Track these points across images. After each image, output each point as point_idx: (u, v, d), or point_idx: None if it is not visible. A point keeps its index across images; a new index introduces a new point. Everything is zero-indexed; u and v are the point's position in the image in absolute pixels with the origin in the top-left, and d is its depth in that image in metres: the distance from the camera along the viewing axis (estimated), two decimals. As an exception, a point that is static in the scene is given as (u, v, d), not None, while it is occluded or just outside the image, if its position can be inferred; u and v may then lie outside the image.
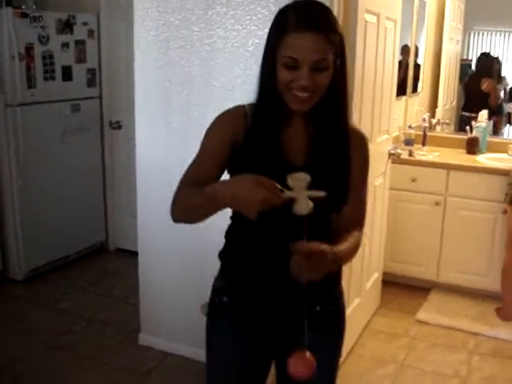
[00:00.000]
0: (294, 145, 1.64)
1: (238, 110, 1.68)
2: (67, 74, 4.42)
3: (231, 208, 1.56)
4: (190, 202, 1.59)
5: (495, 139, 4.67)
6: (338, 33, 1.55)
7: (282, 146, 1.63)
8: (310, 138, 1.65)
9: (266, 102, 1.62)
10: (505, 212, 3.94)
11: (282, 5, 1.59)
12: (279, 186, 1.38)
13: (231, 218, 1.77)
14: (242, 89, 2.86)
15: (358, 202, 1.73)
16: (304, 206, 1.39)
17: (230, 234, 1.78)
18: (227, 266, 1.79)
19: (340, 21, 2.71)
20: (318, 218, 1.55)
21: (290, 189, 1.39)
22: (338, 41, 1.55)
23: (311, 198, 1.39)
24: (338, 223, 1.72)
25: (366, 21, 2.94)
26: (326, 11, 1.58)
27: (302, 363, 1.52)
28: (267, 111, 1.62)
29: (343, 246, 1.59)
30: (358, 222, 1.73)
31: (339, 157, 1.65)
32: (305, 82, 1.51)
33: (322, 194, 1.40)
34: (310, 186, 1.40)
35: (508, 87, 5.18)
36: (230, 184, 1.51)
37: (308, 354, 1.53)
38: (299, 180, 1.40)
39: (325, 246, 1.48)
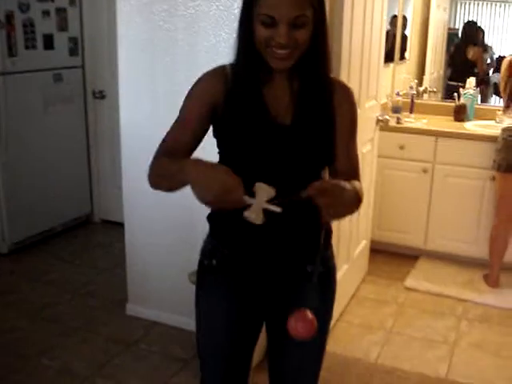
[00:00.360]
0: (279, 103, 1.60)
1: (218, 71, 1.65)
2: (49, 42, 4.32)
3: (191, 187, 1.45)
4: (162, 171, 1.58)
5: (483, 106, 4.66)
6: None
7: (266, 104, 1.59)
8: (294, 94, 1.61)
9: (245, 61, 1.58)
10: (493, 179, 3.94)
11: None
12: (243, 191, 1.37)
13: None
14: (227, 52, 2.75)
15: (348, 156, 1.69)
16: (254, 216, 1.38)
17: None
18: (216, 228, 1.76)
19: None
20: (309, 174, 1.57)
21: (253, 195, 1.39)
22: None
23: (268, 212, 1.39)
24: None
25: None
26: None
27: (302, 323, 1.51)
28: (247, 70, 1.59)
29: (353, 184, 1.53)
30: (352, 175, 1.67)
31: (325, 111, 1.62)
32: (283, 40, 1.47)
33: (277, 210, 1.37)
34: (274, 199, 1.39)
35: (494, 57, 5.16)
36: (203, 167, 1.41)
37: (309, 313, 1.51)
38: (263, 191, 1.39)
39: (337, 180, 1.47)
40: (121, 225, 3.77)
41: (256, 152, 1.59)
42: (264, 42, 1.50)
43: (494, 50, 5.16)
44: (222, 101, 1.60)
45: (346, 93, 1.70)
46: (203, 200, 1.38)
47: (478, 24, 5.12)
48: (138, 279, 3.40)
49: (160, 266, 3.30)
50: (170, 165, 1.54)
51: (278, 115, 1.59)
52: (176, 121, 1.68)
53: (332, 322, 3.26)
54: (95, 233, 4.85)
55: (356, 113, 1.71)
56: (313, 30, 1.52)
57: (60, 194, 4.58)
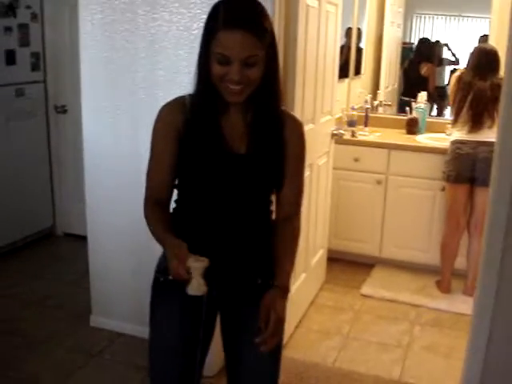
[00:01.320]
0: (234, 133, 1.73)
1: (177, 101, 1.76)
2: (11, 57, 4.37)
3: None
4: (151, 229, 1.74)
5: (433, 120, 4.85)
6: (267, 27, 1.63)
7: (222, 134, 1.72)
8: (248, 125, 1.73)
9: (202, 94, 1.70)
10: (443, 189, 4.12)
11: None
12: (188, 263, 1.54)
13: (176, 201, 1.86)
14: (187, 71, 2.89)
15: (295, 188, 1.82)
16: (194, 288, 1.55)
17: (175, 214, 1.85)
18: None
19: (282, 5, 2.79)
20: (259, 199, 1.75)
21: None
22: (267, 35, 1.63)
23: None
24: (278, 210, 1.83)
25: (308, 5, 3.02)
26: (256, 6, 1.64)
27: None
28: (204, 102, 1.71)
29: (287, 266, 1.75)
30: (295, 209, 1.84)
31: (276, 142, 1.74)
32: (236, 77, 1.60)
33: (203, 289, 1.55)
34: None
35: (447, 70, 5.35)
36: (167, 246, 1.64)
37: None
38: (197, 263, 1.54)
39: (276, 312, 1.63)
40: (83, 238, 3.82)
41: (211, 178, 1.72)
42: (219, 78, 1.62)
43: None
44: (183, 131, 1.72)
45: (296, 127, 1.82)
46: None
47: (433, 38, 5.29)
48: (102, 290, 3.46)
49: (123, 278, 3.36)
50: (156, 230, 1.71)
51: (233, 144, 1.72)
52: (150, 160, 1.79)
53: (291, 329, 3.39)
54: (58, 246, 4.87)
55: (304, 148, 1.83)
56: (264, 68, 1.64)
57: (22, 207, 4.60)
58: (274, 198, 1.86)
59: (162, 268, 1.84)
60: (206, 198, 1.74)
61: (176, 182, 1.81)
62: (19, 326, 3.54)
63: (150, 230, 1.73)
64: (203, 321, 1.74)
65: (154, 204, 1.77)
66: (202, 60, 1.66)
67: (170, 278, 1.73)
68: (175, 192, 1.83)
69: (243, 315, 1.84)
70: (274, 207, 1.87)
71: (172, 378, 1.89)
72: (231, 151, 1.71)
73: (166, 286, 1.84)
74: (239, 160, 1.71)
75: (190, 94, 1.75)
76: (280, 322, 1.64)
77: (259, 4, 1.67)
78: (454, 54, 5.23)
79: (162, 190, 1.78)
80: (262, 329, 1.62)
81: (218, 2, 1.64)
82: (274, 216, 1.87)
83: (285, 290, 1.69)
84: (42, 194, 4.85)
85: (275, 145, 1.74)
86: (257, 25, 1.60)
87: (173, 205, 1.86)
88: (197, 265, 1.53)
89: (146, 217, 1.76)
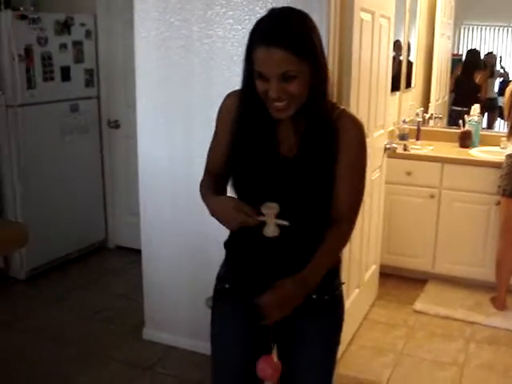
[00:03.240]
0: (286, 140, 1.73)
1: (238, 93, 1.78)
2: (66, 74, 4.48)
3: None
4: (201, 195, 1.81)
5: (487, 133, 4.76)
6: (309, 41, 1.59)
7: (276, 140, 1.73)
8: (299, 135, 1.71)
9: (249, 108, 1.71)
10: (498, 203, 4.03)
11: (280, 4, 1.65)
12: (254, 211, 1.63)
13: None
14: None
15: (349, 192, 1.76)
16: (271, 230, 1.65)
17: None
18: (230, 254, 1.89)
19: (337, 19, 2.79)
20: (312, 203, 1.73)
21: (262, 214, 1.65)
22: (308, 50, 1.59)
23: (279, 226, 1.65)
24: (330, 213, 1.78)
25: (362, 19, 3.01)
26: (296, 20, 1.61)
27: (268, 367, 1.78)
28: (254, 115, 1.71)
29: (317, 262, 1.71)
30: (347, 213, 1.78)
31: (328, 150, 1.70)
32: (274, 94, 1.59)
33: (285, 223, 1.63)
34: (279, 215, 1.64)
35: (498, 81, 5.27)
36: (214, 204, 1.73)
37: (275, 358, 1.78)
38: (270, 208, 1.64)
39: (287, 287, 1.64)
40: (135, 250, 3.87)
41: (261, 183, 1.73)
42: (262, 95, 1.62)
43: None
44: (236, 125, 1.75)
45: (355, 130, 1.75)
46: (232, 228, 1.73)
47: (483, 48, 5.23)
48: (155, 304, 3.49)
49: (177, 291, 3.39)
50: (205, 194, 1.80)
51: (285, 151, 1.72)
52: (212, 140, 1.89)
53: (344, 346, 3.36)
54: (110, 259, 4.94)
55: (362, 152, 1.77)
56: (310, 79, 1.61)
57: (76, 221, 4.70)
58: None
59: (221, 276, 1.89)
60: (256, 201, 1.69)
61: (230, 182, 1.83)
62: (72, 338, 3.60)
63: (204, 197, 1.79)
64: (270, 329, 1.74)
65: (212, 176, 1.85)
66: (246, 75, 1.67)
67: (226, 286, 1.81)
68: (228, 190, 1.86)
69: (296, 326, 1.82)
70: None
71: None
72: (282, 156, 1.72)
73: (223, 294, 1.87)
74: (288, 164, 1.71)
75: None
76: (285, 298, 1.64)
77: (302, 17, 1.63)
78: (503, 67, 5.16)
79: (219, 167, 1.83)
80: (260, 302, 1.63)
81: (261, 18, 1.63)
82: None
83: (303, 283, 1.66)
84: (95, 207, 4.94)
85: (325, 151, 1.70)
86: (294, 41, 1.56)
87: None
88: (270, 210, 1.63)
89: (202, 187, 1.84)
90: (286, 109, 1.62)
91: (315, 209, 1.76)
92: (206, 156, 1.90)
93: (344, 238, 1.80)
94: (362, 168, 1.79)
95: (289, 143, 1.72)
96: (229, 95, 1.83)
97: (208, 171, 1.89)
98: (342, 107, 1.77)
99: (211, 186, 1.81)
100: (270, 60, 1.55)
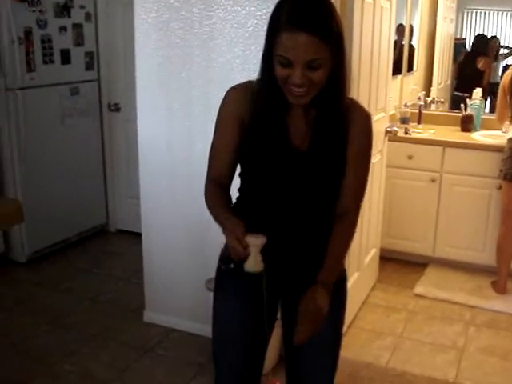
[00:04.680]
0: (297, 130, 1.70)
1: (246, 88, 1.74)
2: (66, 57, 4.45)
3: None
4: (209, 208, 1.75)
5: (489, 116, 4.72)
6: (333, 28, 1.55)
7: (287, 131, 1.70)
8: (311, 123, 1.70)
9: (266, 93, 1.67)
10: (499, 187, 4.02)
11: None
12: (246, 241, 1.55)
13: (239, 190, 1.85)
14: (242, 69, 2.92)
15: (355, 182, 1.77)
16: (251, 265, 1.55)
17: (238, 203, 1.85)
18: None
19: (337, 0, 2.76)
20: (321, 194, 1.74)
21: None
22: (334, 36, 1.55)
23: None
24: (337, 202, 1.78)
25: (363, 0, 2.99)
26: (323, 5, 1.56)
27: None
28: (268, 104, 1.68)
29: (332, 261, 1.73)
30: (353, 202, 1.79)
31: (339, 140, 1.70)
32: (298, 80, 1.55)
33: (261, 266, 1.56)
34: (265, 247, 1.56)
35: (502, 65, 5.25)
36: (225, 225, 1.63)
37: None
38: (255, 240, 1.54)
39: (315, 302, 1.62)
40: (135, 234, 3.86)
41: (272, 174, 1.71)
42: (282, 80, 1.59)
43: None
44: (248, 117, 1.71)
45: (363, 120, 1.75)
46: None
47: (486, 33, 5.20)
48: (155, 287, 3.50)
49: (177, 274, 3.39)
50: (214, 210, 1.72)
51: (295, 141, 1.70)
52: (213, 141, 1.80)
53: (344, 328, 3.36)
54: (110, 242, 4.95)
55: (369, 143, 1.78)
56: (331, 68, 1.58)
57: (76, 204, 4.70)
58: None
59: (225, 257, 1.86)
60: (268, 193, 1.73)
61: (239, 171, 1.81)
62: (73, 321, 3.62)
63: (209, 209, 1.74)
64: (265, 308, 1.73)
65: (216, 185, 1.78)
66: (265, 61, 1.63)
67: (231, 266, 1.77)
68: (239, 180, 1.83)
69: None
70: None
71: (236, 370, 1.91)
72: (294, 148, 1.69)
73: (227, 274, 1.85)
74: (301, 157, 1.69)
75: (257, 80, 1.70)
76: (319, 312, 1.62)
77: (327, 3, 1.58)
78: (507, 47, 5.12)
79: (224, 171, 1.77)
80: (299, 320, 1.61)
81: (281, 0, 1.58)
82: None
83: (327, 286, 1.67)
84: (95, 190, 4.94)
85: (337, 143, 1.70)
86: (322, 26, 1.52)
87: (237, 194, 1.86)
88: (254, 241, 1.53)
89: (206, 196, 1.77)
90: (305, 95, 1.60)
91: (326, 200, 1.77)
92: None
93: (353, 229, 1.81)
94: (368, 158, 1.80)
95: (300, 132, 1.70)
96: (232, 88, 1.77)
97: (212, 178, 1.80)
98: (350, 97, 1.75)
99: (218, 200, 1.75)
100: (297, 45, 1.51)
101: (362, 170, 1.79)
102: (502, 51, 5.20)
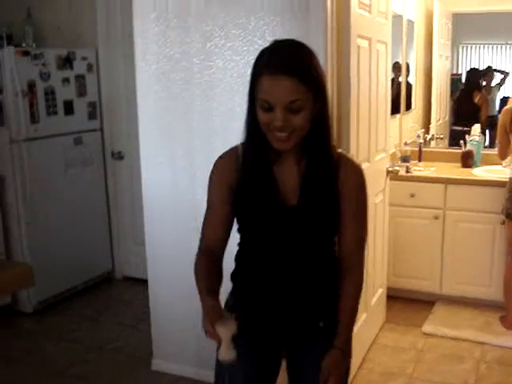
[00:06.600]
0: (287, 183, 1.72)
1: (231, 153, 1.78)
2: (69, 108, 4.53)
3: None
4: (196, 279, 1.79)
5: (489, 151, 4.75)
6: (313, 73, 1.60)
7: (276, 186, 1.72)
8: (301, 174, 1.72)
9: (252, 144, 1.71)
10: (503, 222, 4.03)
11: (277, 35, 1.67)
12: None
13: (239, 244, 1.88)
14: (242, 117, 2.93)
15: (354, 237, 1.80)
16: (222, 354, 1.52)
17: (239, 257, 1.89)
18: (237, 287, 1.91)
19: (333, 47, 2.82)
20: (315, 246, 1.77)
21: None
22: (314, 81, 1.60)
23: None
24: (339, 258, 1.82)
25: (359, 46, 3.04)
26: (303, 52, 1.62)
27: None
28: (254, 153, 1.70)
29: (348, 321, 1.79)
30: (355, 258, 1.82)
31: (330, 191, 1.72)
32: (279, 123, 1.58)
33: (231, 355, 1.53)
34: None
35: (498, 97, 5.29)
36: (203, 305, 1.65)
37: None
38: (224, 330, 1.51)
39: (336, 375, 1.70)
40: (142, 281, 3.86)
41: (266, 230, 1.74)
42: (265, 126, 1.62)
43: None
44: (236, 182, 1.74)
45: (356, 174, 1.77)
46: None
47: (481, 66, 5.26)
48: (163, 334, 3.49)
49: (184, 321, 3.38)
50: (199, 285, 1.75)
51: (286, 196, 1.72)
52: (206, 210, 1.83)
53: (353, 371, 3.34)
54: (117, 289, 4.95)
55: (364, 197, 1.79)
56: (314, 111, 1.61)
57: (82, 252, 4.71)
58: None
59: (230, 305, 1.89)
60: (263, 246, 1.77)
61: (237, 227, 1.83)
62: (82, 371, 3.60)
63: (195, 280, 1.76)
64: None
65: (207, 257, 1.80)
66: (249, 108, 1.67)
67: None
68: (238, 236, 1.85)
69: (307, 351, 1.84)
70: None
71: None
72: (284, 203, 1.71)
73: None
74: (290, 212, 1.71)
75: (242, 143, 1.75)
76: (341, 380, 1.68)
77: (306, 50, 1.64)
78: (502, 71, 5.18)
79: (215, 240, 1.81)
80: None
81: (264, 49, 1.65)
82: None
83: (345, 351, 1.72)
84: (100, 238, 4.95)
85: (328, 197, 1.71)
86: (300, 68, 1.57)
87: (236, 247, 1.89)
88: (223, 331, 1.51)
89: (195, 268, 1.79)
90: (288, 140, 1.62)
91: (321, 249, 1.80)
92: (206, 185, 1.84)
93: (361, 280, 1.84)
94: (365, 210, 1.82)
95: (290, 184, 1.72)
96: (219, 158, 1.81)
97: (204, 248, 1.83)
98: (340, 150, 1.79)
99: (204, 274, 1.76)
100: (276, 88, 1.55)
101: (361, 223, 1.82)
102: (495, 82, 5.24)
